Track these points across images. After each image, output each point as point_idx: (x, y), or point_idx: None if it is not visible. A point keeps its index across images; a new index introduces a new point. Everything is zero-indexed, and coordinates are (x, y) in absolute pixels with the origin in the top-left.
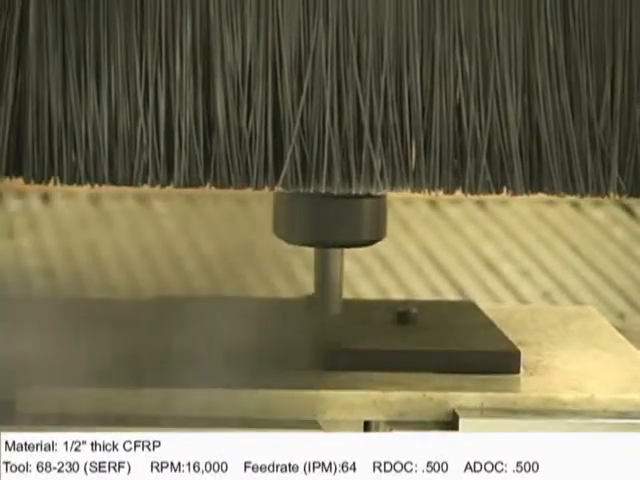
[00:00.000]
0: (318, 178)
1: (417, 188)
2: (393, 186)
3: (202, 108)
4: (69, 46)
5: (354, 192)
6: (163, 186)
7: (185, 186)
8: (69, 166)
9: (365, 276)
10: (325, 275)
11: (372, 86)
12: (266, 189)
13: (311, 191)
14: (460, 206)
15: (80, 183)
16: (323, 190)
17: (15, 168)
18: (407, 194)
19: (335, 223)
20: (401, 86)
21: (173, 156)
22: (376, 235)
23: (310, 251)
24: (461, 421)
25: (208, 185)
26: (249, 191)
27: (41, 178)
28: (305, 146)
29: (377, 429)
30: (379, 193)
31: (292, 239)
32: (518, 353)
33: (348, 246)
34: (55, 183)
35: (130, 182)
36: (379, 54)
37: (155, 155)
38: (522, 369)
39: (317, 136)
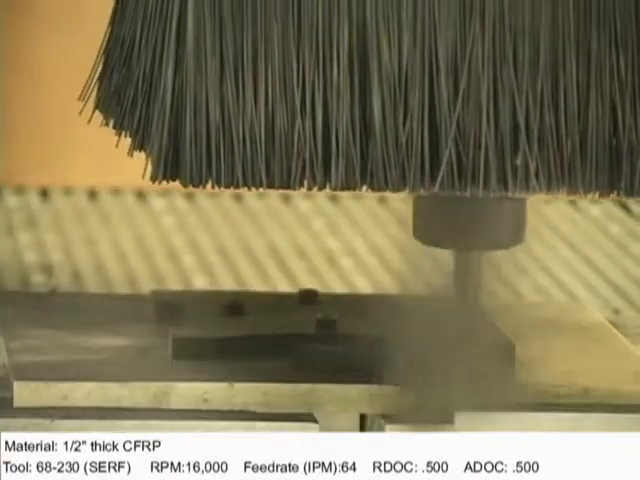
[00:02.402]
0: (474, 181)
1: (572, 191)
2: (549, 189)
3: (359, 111)
4: (227, 50)
5: (510, 195)
6: (320, 189)
7: (342, 189)
8: (226, 169)
9: (362, 271)
10: (463, 278)
11: (528, 88)
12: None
13: (462, 194)
14: None
15: (237, 186)
16: (479, 193)
17: (172, 172)
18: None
19: (475, 226)
20: (557, 87)
21: (330, 159)
22: (516, 238)
23: None
24: (456, 414)
25: (364, 188)
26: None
27: (198, 181)
28: (461, 149)
29: (372, 422)
30: (519, 196)
31: (431, 241)
32: (513, 347)
33: (487, 249)
34: (212, 186)
35: (287, 185)
36: (535, 55)
37: (312, 158)
38: (517, 363)
39: (473, 139)
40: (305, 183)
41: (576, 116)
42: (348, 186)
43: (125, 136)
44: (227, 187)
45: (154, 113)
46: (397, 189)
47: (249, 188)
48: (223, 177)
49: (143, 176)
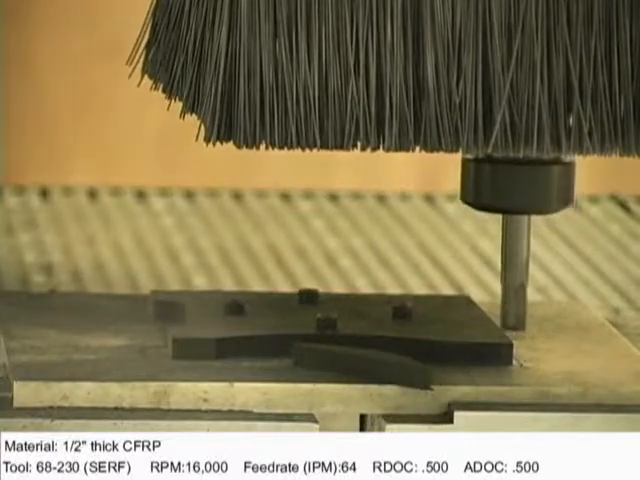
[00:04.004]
0: (527, 142)
1: (626, 151)
2: (602, 149)
3: (412, 71)
4: (280, 9)
5: (563, 156)
6: (373, 150)
7: (395, 150)
8: (280, 130)
9: (362, 271)
10: (511, 242)
11: (582, 47)
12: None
13: (515, 155)
14: (457, 202)
15: (291, 147)
16: (533, 154)
17: (226, 133)
18: (405, 190)
19: (523, 189)
20: (610, 46)
21: (384, 119)
22: (564, 202)
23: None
24: (456, 414)
25: (418, 148)
26: (247, 188)
27: (252, 142)
28: (515, 109)
29: (373, 422)
30: (568, 160)
31: (479, 205)
32: (511, 345)
33: (535, 213)
34: (266, 147)
35: (341, 146)
36: (589, 14)
37: (366, 118)
38: (517, 362)
39: (527, 99)
40: (359, 144)
41: (630, 75)
42: (401, 147)
43: (175, 100)
44: (281, 148)
45: (207, 76)
46: (450, 150)
47: (303, 149)
48: (277, 138)
49: (197, 137)
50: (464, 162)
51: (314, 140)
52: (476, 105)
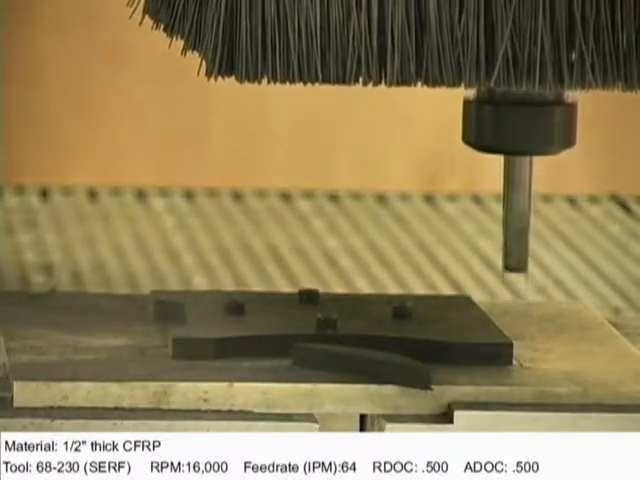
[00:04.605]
0: (530, 76)
1: (628, 86)
2: (604, 84)
3: (414, 5)
4: None
5: (565, 91)
6: (375, 84)
7: (397, 84)
8: (282, 63)
9: (362, 271)
10: (512, 185)
11: None
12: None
13: (516, 94)
14: (457, 202)
15: (293, 81)
16: (535, 89)
17: (227, 68)
18: (405, 190)
19: (524, 130)
20: None
21: (386, 53)
22: (565, 143)
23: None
24: (456, 414)
25: (420, 83)
26: (247, 188)
27: (254, 76)
28: (517, 43)
29: (373, 422)
30: (569, 100)
31: (480, 145)
32: (511, 345)
33: (536, 154)
34: (268, 82)
35: (342, 80)
36: None
37: (367, 52)
38: (517, 363)
39: (529, 33)
40: (360, 79)
41: (632, 8)
42: (403, 81)
43: (177, 39)
44: (283, 82)
45: (208, 10)
46: (452, 84)
47: (305, 83)
48: (279, 72)
49: (198, 72)
50: (465, 103)
51: (316, 74)
52: (478, 39)
